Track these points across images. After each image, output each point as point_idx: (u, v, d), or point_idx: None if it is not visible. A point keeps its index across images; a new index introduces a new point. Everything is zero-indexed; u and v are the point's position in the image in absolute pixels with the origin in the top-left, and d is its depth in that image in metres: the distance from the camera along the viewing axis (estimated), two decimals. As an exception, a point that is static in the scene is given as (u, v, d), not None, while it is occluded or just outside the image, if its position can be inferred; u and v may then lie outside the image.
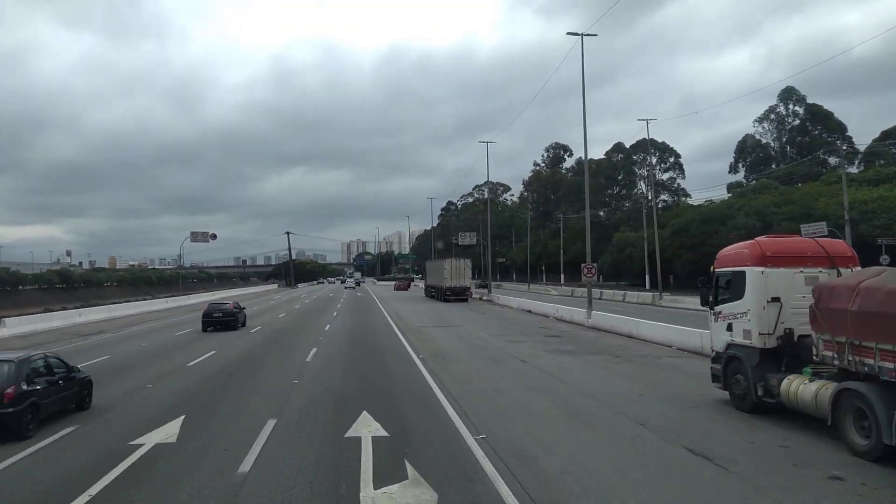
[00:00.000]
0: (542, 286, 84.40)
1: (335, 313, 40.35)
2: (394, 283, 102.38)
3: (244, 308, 34.85)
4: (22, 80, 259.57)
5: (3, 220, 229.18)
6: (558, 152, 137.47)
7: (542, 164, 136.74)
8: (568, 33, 30.86)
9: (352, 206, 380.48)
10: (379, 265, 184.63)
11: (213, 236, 59.43)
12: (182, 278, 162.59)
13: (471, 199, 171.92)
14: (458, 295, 53.73)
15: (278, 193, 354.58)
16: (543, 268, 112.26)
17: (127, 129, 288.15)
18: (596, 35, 31.86)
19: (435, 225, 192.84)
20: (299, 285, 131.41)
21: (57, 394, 11.55)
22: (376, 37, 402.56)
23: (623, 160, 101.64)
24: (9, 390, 10.14)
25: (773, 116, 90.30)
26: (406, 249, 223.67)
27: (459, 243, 58.27)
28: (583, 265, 31.03)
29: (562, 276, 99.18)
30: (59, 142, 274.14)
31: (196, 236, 59.37)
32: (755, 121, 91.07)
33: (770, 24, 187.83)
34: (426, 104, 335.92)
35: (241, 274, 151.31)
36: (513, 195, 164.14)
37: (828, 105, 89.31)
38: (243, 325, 31.85)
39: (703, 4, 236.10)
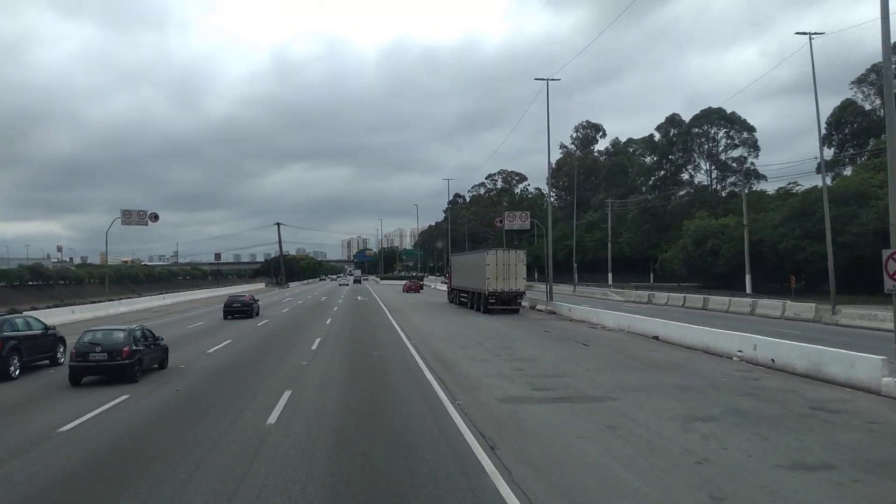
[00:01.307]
0: (596, 288, 66.29)
1: (315, 345, 22.45)
2: (403, 283, 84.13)
3: (258, 300, 38.90)
4: (19, 72, 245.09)
5: (1, 215, 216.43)
6: (588, 133, 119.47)
7: (572, 147, 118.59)
8: None
9: (353, 203, 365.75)
10: (382, 262, 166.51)
11: (154, 217, 41.80)
12: (172, 275, 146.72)
13: (482, 191, 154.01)
14: (507, 303, 36.10)
15: (279, 190, 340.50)
16: (575, 265, 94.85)
17: (127, 123, 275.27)
18: None
19: (440, 221, 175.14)
20: (290, 284, 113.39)
21: (150, 354, 16.01)
22: (380, 30, 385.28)
23: (679, 135, 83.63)
24: (126, 348, 14.78)
25: (872, 77, 72.26)
26: (408, 246, 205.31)
27: (506, 227, 39.98)
28: (887, 254, 13.30)
29: (609, 274, 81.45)
30: (58, 136, 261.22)
31: (129, 217, 41.67)
32: (852, 83, 73.05)
33: (783, 18, 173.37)
34: (430, 99, 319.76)
35: (216, 271, 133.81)
36: (528, 185, 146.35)
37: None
38: (257, 314, 35.46)
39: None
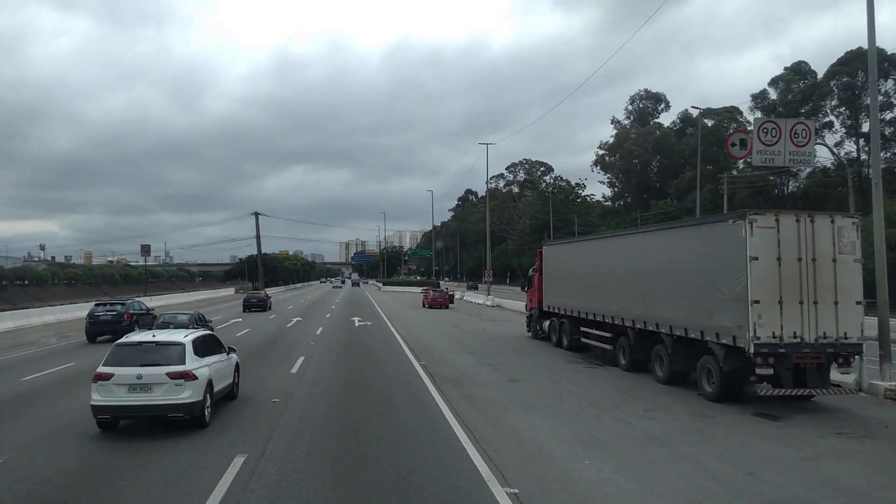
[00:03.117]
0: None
1: None
2: (419, 291, 58.96)
3: (270, 297, 49.98)
4: (16, 69, 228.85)
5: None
6: (647, 106, 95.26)
7: (628, 123, 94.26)
8: None
9: (352, 206, 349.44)
10: (384, 264, 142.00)
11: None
12: (154, 277, 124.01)
13: (501, 183, 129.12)
14: (801, 381, 11.73)
15: (278, 191, 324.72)
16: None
17: (125, 122, 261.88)
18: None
19: (445, 220, 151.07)
20: (268, 291, 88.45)
21: None
22: (383, 30, 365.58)
23: (809, 88, 59.42)
24: (191, 327, 19.74)
25: None
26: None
27: (754, 159, 14.11)
28: None
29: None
30: (55, 134, 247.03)
31: None
32: None
33: (796, 21, 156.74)
34: (433, 100, 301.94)
35: (148, 273, 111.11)
36: (557, 176, 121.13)
37: None
38: (270, 308, 44.36)
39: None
